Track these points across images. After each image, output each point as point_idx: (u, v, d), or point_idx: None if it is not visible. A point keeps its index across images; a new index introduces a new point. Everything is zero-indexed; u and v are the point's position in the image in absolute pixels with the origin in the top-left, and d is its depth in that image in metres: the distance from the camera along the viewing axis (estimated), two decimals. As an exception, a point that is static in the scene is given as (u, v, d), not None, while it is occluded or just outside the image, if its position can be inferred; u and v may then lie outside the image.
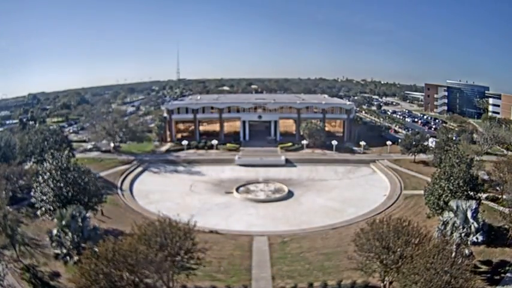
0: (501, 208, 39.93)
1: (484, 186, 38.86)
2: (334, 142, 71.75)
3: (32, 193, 35.53)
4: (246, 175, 59.10)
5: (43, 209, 33.81)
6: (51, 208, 33.08)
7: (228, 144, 74.38)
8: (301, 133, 75.00)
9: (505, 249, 32.14)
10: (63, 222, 28.85)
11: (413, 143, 62.84)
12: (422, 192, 40.24)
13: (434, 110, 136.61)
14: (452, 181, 35.06)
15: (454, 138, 63.58)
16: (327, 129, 78.78)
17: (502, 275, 28.84)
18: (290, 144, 74.51)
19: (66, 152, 39.70)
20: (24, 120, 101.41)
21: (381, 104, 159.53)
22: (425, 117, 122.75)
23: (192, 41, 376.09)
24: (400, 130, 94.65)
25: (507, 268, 29.59)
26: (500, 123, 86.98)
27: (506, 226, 34.41)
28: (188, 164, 65.27)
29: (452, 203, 31.06)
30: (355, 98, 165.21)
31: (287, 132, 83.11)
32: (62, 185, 33.53)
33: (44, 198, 33.68)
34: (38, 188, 34.53)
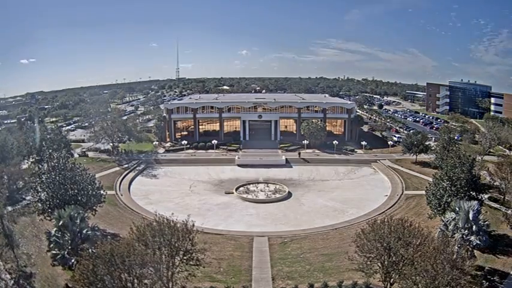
0: (504, 209, 39.63)
1: (486, 187, 38.51)
2: (335, 142, 71.43)
3: (30, 193, 35.26)
4: (246, 175, 58.80)
5: (41, 209, 33.52)
6: (49, 208, 32.80)
7: (228, 145, 74.11)
8: (302, 133, 74.64)
9: (508, 258, 31.18)
10: (61, 223, 28.60)
11: (415, 143, 62.45)
12: (423, 192, 40.03)
13: (436, 109, 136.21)
14: (454, 182, 34.76)
15: (456, 138, 63.22)
16: (327, 129, 78.40)
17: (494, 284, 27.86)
18: (290, 144, 74.23)
19: (64, 152, 39.43)
20: (22, 119, 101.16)
21: (382, 103, 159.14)
22: (426, 116, 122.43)
23: (192, 40, 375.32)
24: (401, 130, 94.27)
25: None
26: (502, 123, 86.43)
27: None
28: (188, 164, 64.95)
29: (454, 204, 30.83)
30: (356, 97, 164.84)
31: (287, 132, 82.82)
32: (60, 185, 33.24)
33: (42, 198, 33.40)
34: (36, 188, 34.24)
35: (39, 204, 33.53)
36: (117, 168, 59.90)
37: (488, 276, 28.35)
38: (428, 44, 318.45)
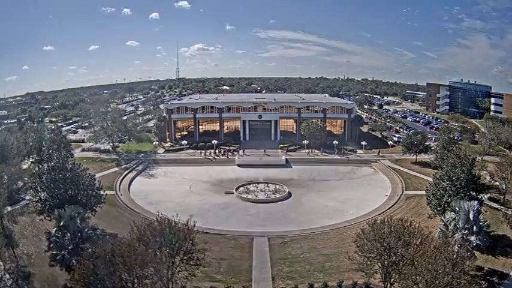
0: (504, 209, 39.60)
1: (486, 187, 38.51)
2: (335, 142, 71.45)
3: (30, 193, 35.25)
4: (246, 175, 58.76)
5: (41, 209, 33.52)
6: (49, 208, 32.80)
7: (228, 145, 74.15)
8: (302, 133, 74.65)
9: (507, 259, 31.02)
10: (62, 223, 28.60)
11: (415, 143, 62.47)
12: (423, 192, 40.04)
13: (436, 109, 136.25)
14: (454, 182, 34.76)
15: (456, 138, 63.30)
16: (327, 129, 78.40)
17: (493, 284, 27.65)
18: (290, 144, 74.26)
19: (64, 152, 39.44)
20: (23, 119, 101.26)
21: (382, 103, 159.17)
22: (426, 116, 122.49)
23: (191, 39, 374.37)
24: (401, 130, 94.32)
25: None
26: (502, 123, 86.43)
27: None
28: (188, 164, 64.94)
29: (455, 204, 30.83)
30: (356, 97, 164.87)
31: (287, 132, 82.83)
32: (59, 185, 33.23)
33: (42, 198, 33.39)
34: (36, 188, 34.25)
35: (39, 204, 33.54)
36: (117, 169, 59.91)
37: (488, 277, 28.30)
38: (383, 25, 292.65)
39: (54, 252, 28.26)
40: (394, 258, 23.58)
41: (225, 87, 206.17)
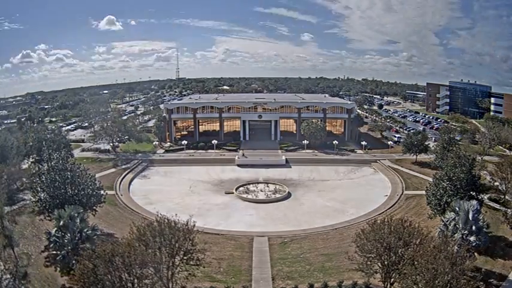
0: (503, 209, 39.60)
1: (486, 187, 38.50)
2: (335, 142, 71.45)
3: (30, 193, 35.25)
4: (246, 175, 58.77)
5: (41, 209, 33.52)
6: (49, 208, 32.80)
7: (228, 145, 74.18)
8: (302, 133, 74.66)
9: (505, 261, 30.88)
10: (61, 223, 28.54)
11: (415, 143, 62.46)
12: (423, 192, 40.04)
13: (436, 109, 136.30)
14: (454, 182, 34.76)
15: (455, 138, 63.38)
16: (327, 129, 78.41)
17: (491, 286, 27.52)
18: (290, 144, 74.27)
19: (64, 152, 39.42)
20: (23, 119, 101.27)
21: (382, 103, 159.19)
22: (426, 116, 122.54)
23: (191, 39, 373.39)
24: (401, 130, 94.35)
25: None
26: (502, 123, 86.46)
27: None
28: (188, 164, 64.94)
29: (454, 204, 30.80)
30: (356, 97, 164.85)
31: (287, 132, 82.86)
32: (59, 185, 33.24)
33: (42, 198, 33.39)
34: (36, 188, 34.24)
35: (39, 204, 33.54)
36: (117, 169, 59.92)
37: (486, 278, 28.18)
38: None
39: (54, 252, 28.22)
40: (394, 258, 23.61)
41: (225, 87, 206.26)
